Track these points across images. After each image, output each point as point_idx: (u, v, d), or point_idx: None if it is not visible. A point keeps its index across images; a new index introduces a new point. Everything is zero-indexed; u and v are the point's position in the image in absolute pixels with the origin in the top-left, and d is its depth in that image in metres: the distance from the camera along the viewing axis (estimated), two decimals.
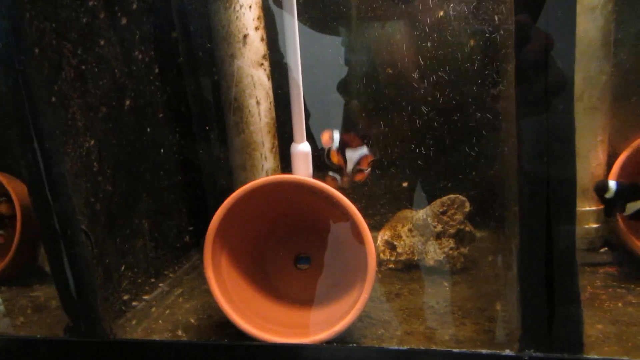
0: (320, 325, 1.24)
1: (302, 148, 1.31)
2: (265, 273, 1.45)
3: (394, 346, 1.19)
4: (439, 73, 1.76)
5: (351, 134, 1.42)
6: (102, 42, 1.40)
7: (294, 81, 1.27)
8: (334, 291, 1.37)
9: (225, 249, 1.31)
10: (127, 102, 1.51)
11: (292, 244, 1.46)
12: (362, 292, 1.21)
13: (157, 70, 1.67)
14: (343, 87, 1.88)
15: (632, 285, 1.44)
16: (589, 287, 1.44)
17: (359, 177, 1.37)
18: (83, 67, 1.33)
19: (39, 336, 1.33)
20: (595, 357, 1.02)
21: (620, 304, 1.34)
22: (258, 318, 1.28)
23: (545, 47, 0.96)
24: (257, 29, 1.61)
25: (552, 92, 0.97)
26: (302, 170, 1.32)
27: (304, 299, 1.41)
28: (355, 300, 1.22)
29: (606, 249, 1.56)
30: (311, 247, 1.45)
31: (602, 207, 1.55)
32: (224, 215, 1.26)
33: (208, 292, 1.58)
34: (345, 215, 1.26)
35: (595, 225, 1.54)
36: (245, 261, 1.38)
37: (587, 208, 1.54)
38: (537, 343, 1.04)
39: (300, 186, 1.30)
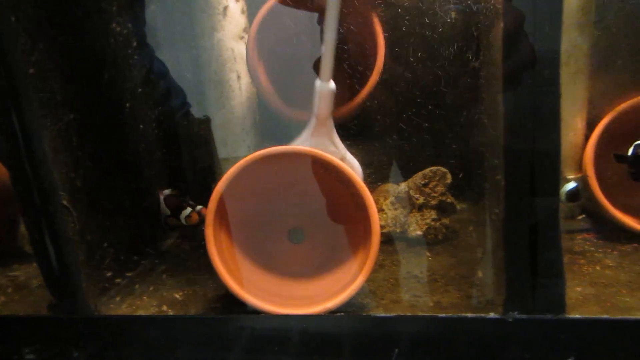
0: (320, 297, 1.25)
1: (329, 86, 1.26)
2: (262, 247, 1.43)
3: (381, 314, 1.20)
4: (419, 45, 1.76)
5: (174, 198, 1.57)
6: (79, 13, 1.36)
7: (331, 15, 1.20)
8: (333, 263, 1.36)
9: (224, 223, 1.29)
10: (106, 76, 1.48)
11: (287, 217, 1.44)
12: (367, 260, 1.21)
13: (135, 44, 1.63)
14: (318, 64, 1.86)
15: (609, 250, 1.49)
16: (567, 253, 1.48)
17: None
18: (61, 38, 1.28)
19: (21, 314, 1.30)
20: (577, 316, 1.06)
21: (598, 268, 1.39)
22: (258, 290, 1.28)
23: (516, 22, 0.98)
24: (237, 0, 1.59)
25: (519, 70, 0.99)
26: (324, 109, 1.28)
27: (304, 272, 1.40)
28: (357, 270, 1.23)
29: (584, 216, 1.60)
30: (307, 221, 1.43)
31: (579, 175, 1.60)
32: (225, 188, 1.23)
33: (192, 269, 1.59)
34: (346, 185, 1.25)
35: None
36: (243, 235, 1.36)
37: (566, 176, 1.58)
38: (521, 305, 1.07)
39: (299, 156, 1.28)
